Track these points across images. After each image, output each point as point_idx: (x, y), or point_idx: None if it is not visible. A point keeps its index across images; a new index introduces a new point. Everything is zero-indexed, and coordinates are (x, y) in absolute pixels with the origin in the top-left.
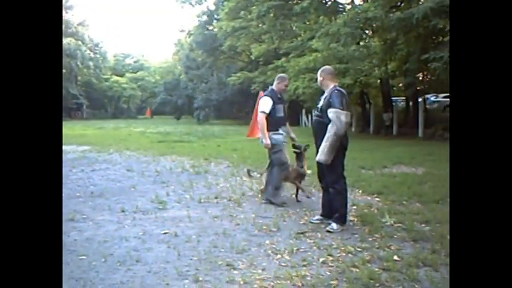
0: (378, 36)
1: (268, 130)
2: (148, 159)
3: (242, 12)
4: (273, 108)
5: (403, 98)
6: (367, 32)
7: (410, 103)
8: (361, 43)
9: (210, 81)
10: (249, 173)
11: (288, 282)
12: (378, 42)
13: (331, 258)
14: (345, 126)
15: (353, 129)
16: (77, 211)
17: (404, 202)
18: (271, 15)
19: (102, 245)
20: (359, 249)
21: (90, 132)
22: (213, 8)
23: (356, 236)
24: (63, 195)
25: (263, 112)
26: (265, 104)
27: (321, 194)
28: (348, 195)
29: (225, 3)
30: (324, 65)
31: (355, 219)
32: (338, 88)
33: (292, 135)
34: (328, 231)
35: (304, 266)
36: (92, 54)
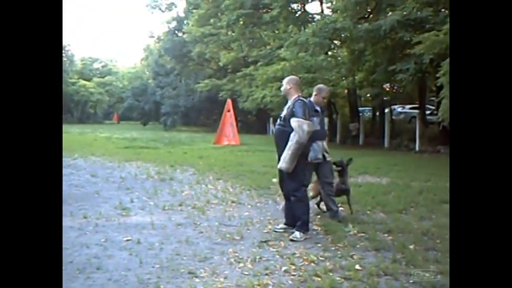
0: (346, 47)
1: None
2: (114, 165)
3: (212, 20)
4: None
5: (370, 108)
6: (335, 42)
7: (377, 113)
8: (330, 53)
9: (178, 87)
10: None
11: None
12: (346, 52)
13: (293, 267)
14: (307, 135)
15: None
16: None
17: (368, 212)
18: (241, 23)
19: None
20: (321, 259)
21: None
22: (182, 14)
23: (319, 245)
24: None
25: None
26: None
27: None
28: (312, 204)
29: (195, 10)
30: (292, 74)
31: (319, 229)
32: (301, 98)
33: (323, 153)
34: (291, 240)
35: (266, 274)
36: None
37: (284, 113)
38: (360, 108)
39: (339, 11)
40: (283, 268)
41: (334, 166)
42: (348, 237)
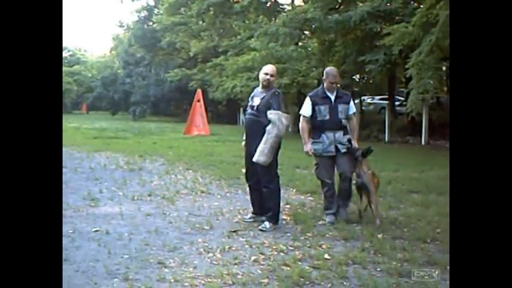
0: (316, 38)
1: (312, 136)
2: (82, 155)
3: (182, 9)
4: (314, 110)
5: None
6: (305, 32)
7: None
8: (300, 44)
9: (147, 77)
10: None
11: (219, 280)
12: (316, 43)
13: (262, 256)
14: (285, 128)
15: (289, 129)
16: None
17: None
18: (211, 12)
19: None
20: (291, 248)
21: None
22: (152, 3)
23: (288, 234)
24: None
25: (302, 115)
26: (303, 106)
27: None
28: (282, 193)
29: None
30: (262, 65)
31: (288, 218)
32: (278, 90)
33: (336, 145)
34: (261, 230)
35: (235, 264)
36: None
37: (257, 102)
38: None
39: (309, 2)
40: (253, 258)
41: None
42: (317, 227)
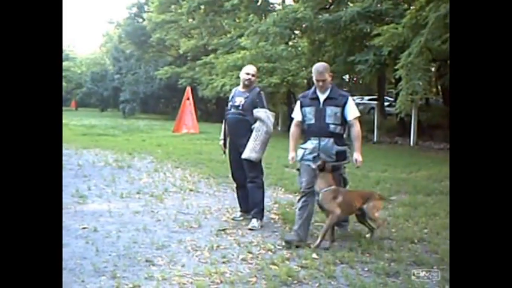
0: (306, 37)
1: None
2: (71, 152)
3: (172, 6)
4: (303, 113)
5: None
6: (296, 32)
7: None
8: (290, 43)
9: (137, 73)
10: None
11: (207, 279)
12: (307, 43)
13: (250, 255)
14: (272, 125)
15: (279, 128)
16: None
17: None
18: (202, 10)
19: None
20: (279, 247)
21: None
22: (143, 0)
23: (277, 233)
24: None
25: (293, 118)
26: (295, 107)
27: None
28: (271, 193)
29: None
30: (252, 64)
31: (277, 217)
32: (261, 89)
33: (319, 154)
34: (250, 229)
35: (223, 263)
36: None
37: (241, 101)
38: None
39: (300, 1)
40: (241, 256)
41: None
42: None
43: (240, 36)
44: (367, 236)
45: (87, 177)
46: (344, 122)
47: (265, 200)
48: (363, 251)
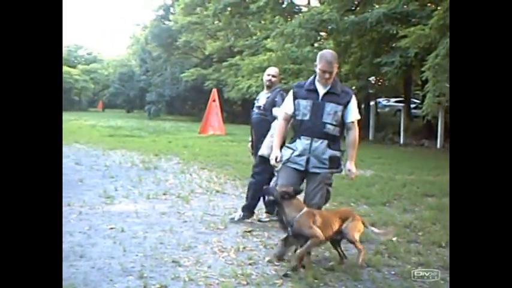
0: (332, 39)
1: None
2: (98, 153)
3: (198, 9)
4: (296, 106)
5: None
6: (321, 34)
7: (362, 106)
8: (316, 45)
9: (163, 74)
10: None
11: (233, 280)
12: (332, 44)
13: None
14: (290, 125)
15: None
16: None
17: (352, 204)
18: (227, 12)
19: None
20: None
21: None
22: (169, 2)
23: None
24: None
25: (282, 112)
26: (286, 99)
27: None
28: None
29: None
30: (278, 65)
31: None
32: (282, 90)
33: (325, 157)
34: (259, 221)
35: (250, 264)
36: None
37: (263, 102)
38: None
39: (325, 3)
40: (267, 258)
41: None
42: None
43: (266, 38)
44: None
45: (114, 178)
46: (342, 123)
47: None
48: (390, 254)
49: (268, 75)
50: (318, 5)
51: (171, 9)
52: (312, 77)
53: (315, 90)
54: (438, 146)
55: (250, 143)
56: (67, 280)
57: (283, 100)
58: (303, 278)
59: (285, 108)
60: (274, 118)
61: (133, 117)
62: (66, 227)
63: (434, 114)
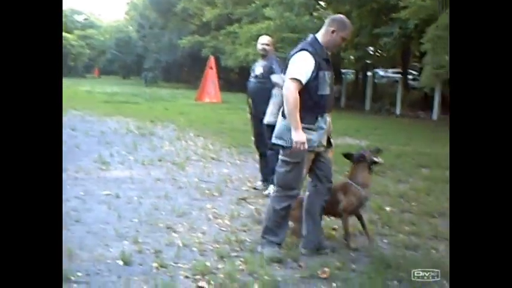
0: (331, 8)
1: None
2: (94, 119)
3: None
4: (315, 77)
5: (353, 70)
6: (321, 3)
7: (360, 76)
8: (315, 14)
9: (160, 41)
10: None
11: (227, 246)
12: (332, 14)
13: None
14: None
15: None
16: None
17: (346, 172)
18: None
19: None
20: None
21: None
22: None
23: None
24: None
25: (294, 79)
26: (300, 64)
27: None
28: None
29: None
30: (276, 34)
31: None
32: (277, 57)
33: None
34: (267, 196)
35: (244, 231)
36: None
37: (260, 70)
38: (343, 71)
39: None
40: (261, 225)
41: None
42: None
43: (265, 6)
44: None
45: (110, 144)
46: None
47: None
48: (383, 224)
49: (262, 44)
50: None
51: None
52: (314, 42)
53: (329, 61)
54: (434, 117)
55: (249, 113)
56: (63, 244)
57: (280, 67)
58: (296, 243)
59: (302, 76)
60: (274, 85)
61: (129, 84)
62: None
63: (431, 86)
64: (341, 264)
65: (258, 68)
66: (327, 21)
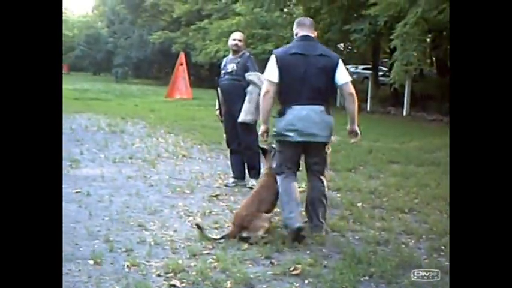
0: (301, 4)
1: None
2: (64, 116)
3: None
4: (282, 75)
5: None
6: None
7: None
8: (285, 10)
9: (130, 38)
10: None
11: (199, 244)
12: (302, 10)
13: None
14: None
15: None
16: None
17: None
18: None
19: None
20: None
21: None
22: None
23: None
24: None
25: (267, 80)
26: (268, 66)
27: None
28: None
29: None
30: (247, 30)
31: None
32: (251, 54)
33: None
34: (250, 188)
35: (215, 228)
36: None
37: (232, 67)
38: None
39: None
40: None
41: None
42: None
43: (235, 1)
44: None
45: (80, 142)
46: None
47: None
48: (354, 220)
49: (234, 39)
50: None
51: None
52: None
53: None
54: (404, 113)
55: (218, 110)
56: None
57: (254, 65)
58: (269, 240)
59: (268, 74)
60: (249, 83)
61: (99, 80)
62: None
63: (401, 82)
64: (313, 260)
65: (231, 65)
66: None
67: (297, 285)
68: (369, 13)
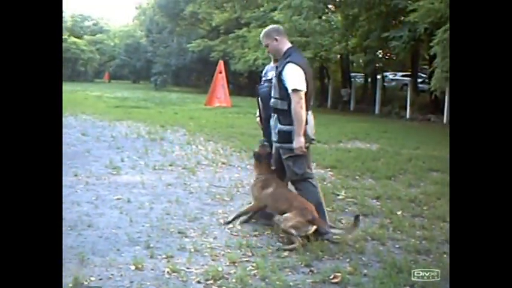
0: (340, 12)
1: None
2: (104, 124)
3: None
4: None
5: (362, 74)
6: (329, 6)
7: (369, 80)
8: (323, 17)
9: (170, 45)
10: None
11: (238, 251)
12: (340, 17)
13: None
14: None
15: (311, 102)
16: None
17: (357, 177)
18: None
19: None
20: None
21: None
22: None
23: None
24: None
25: (301, 91)
26: (298, 76)
27: None
28: None
29: None
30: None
31: None
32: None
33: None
34: None
35: (255, 236)
36: None
37: (272, 75)
38: (352, 74)
39: None
40: (272, 230)
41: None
42: (336, 202)
43: (273, 10)
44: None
45: (121, 149)
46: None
47: None
48: (394, 228)
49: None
50: None
51: None
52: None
53: (277, 67)
54: (444, 121)
55: (258, 118)
56: (75, 249)
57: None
58: (309, 250)
59: (302, 84)
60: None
61: (139, 88)
62: (73, 197)
63: (442, 89)
64: (353, 269)
65: (271, 73)
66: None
67: None
68: (409, 20)
